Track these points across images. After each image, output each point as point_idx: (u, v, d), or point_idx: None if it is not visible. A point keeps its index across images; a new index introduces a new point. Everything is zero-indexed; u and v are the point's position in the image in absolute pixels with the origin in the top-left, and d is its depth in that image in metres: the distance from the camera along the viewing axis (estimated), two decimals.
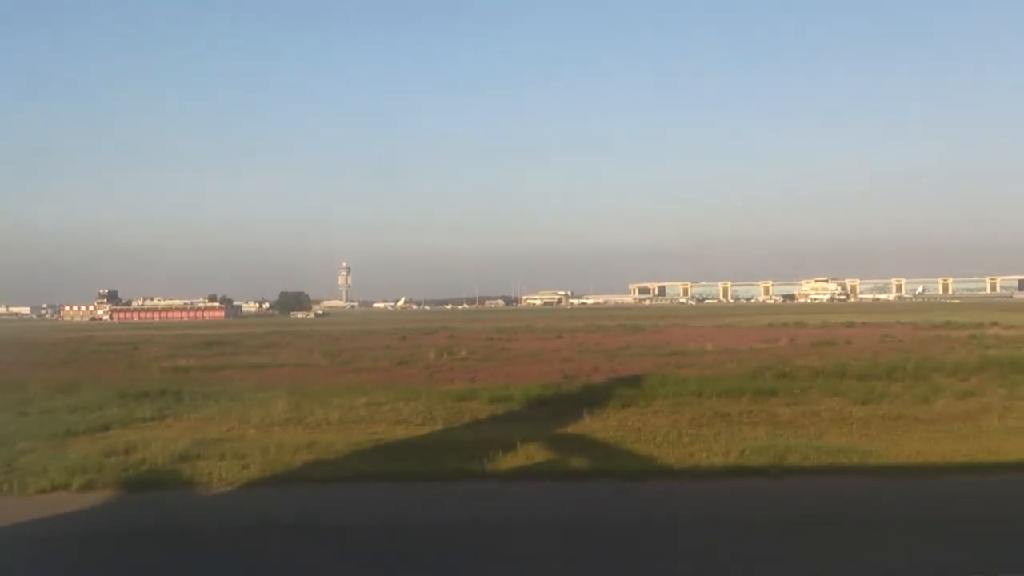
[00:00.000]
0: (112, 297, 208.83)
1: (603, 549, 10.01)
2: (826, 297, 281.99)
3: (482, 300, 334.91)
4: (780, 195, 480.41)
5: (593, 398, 23.54)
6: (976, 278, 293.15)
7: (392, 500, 12.95)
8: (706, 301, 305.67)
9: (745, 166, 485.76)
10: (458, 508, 12.40)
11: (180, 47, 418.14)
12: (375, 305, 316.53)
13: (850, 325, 67.07)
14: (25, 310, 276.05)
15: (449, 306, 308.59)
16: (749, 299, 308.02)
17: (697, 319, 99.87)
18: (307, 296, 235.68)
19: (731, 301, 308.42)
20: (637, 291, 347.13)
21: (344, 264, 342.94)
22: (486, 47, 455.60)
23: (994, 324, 61.53)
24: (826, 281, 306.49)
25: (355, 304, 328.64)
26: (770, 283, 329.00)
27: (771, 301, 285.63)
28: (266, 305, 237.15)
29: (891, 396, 23.85)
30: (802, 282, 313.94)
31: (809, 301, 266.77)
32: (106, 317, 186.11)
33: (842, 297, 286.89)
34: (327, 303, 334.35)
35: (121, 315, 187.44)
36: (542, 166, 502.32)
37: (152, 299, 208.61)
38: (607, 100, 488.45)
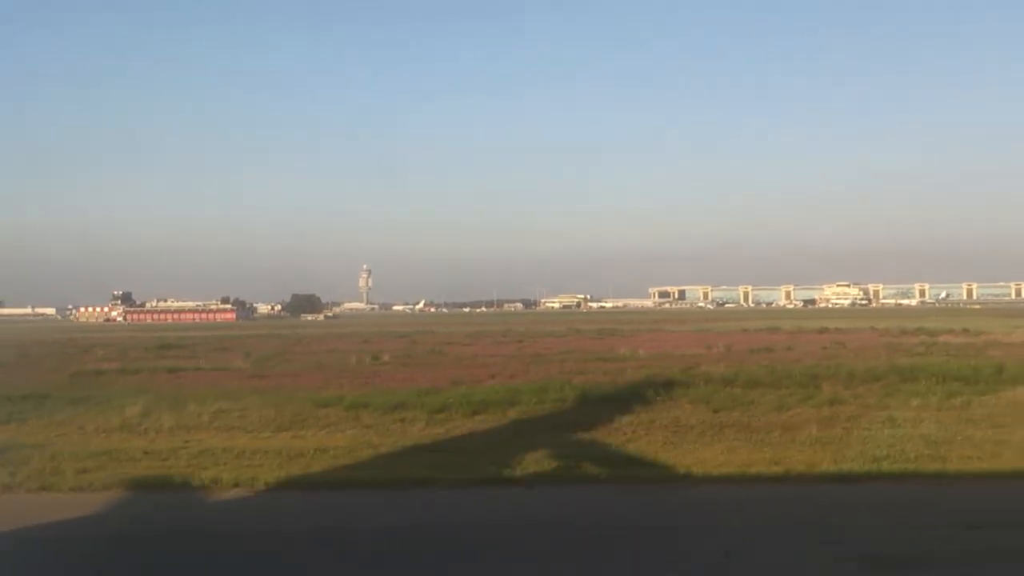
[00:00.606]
0: (126, 299, 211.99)
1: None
2: (847, 302, 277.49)
3: (500, 303, 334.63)
4: (804, 199, 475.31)
5: (447, 406, 23.38)
6: (1002, 283, 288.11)
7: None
8: (726, 305, 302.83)
9: (770, 169, 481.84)
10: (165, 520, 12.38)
11: (200, 48, 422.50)
12: (395, 308, 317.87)
13: (822, 331, 66.16)
14: (51, 311, 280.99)
15: (467, 309, 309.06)
16: (769, 304, 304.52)
17: (687, 323, 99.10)
18: (318, 298, 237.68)
19: (751, 305, 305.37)
20: (657, 295, 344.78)
21: (364, 266, 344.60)
22: (496, 47, 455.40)
23: (965, 331, 60.57)
24: (848, 286, 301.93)
25: (375, 306, 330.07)
26: (791, 287, 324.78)
27: (790, 306, 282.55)
28: (278, 307, 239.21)
29: (754, 404, 23.76)
30: (824, 287, 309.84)
31: (830, 306, 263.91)
32: (120, 318, 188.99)
33: (863, 302, 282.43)
34: (348, 305, 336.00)
35: (134, 316, 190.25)
36: (564, 169, 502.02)
37: (166, 301, 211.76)
38: (636, 103, 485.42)
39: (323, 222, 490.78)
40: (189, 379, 33.46)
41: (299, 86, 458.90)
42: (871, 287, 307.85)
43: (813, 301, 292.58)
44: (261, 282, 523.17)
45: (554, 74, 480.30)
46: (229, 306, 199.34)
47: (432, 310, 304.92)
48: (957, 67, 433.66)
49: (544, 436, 19.01)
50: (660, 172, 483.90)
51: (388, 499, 13.35)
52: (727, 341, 52.14)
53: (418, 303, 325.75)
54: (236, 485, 14.12)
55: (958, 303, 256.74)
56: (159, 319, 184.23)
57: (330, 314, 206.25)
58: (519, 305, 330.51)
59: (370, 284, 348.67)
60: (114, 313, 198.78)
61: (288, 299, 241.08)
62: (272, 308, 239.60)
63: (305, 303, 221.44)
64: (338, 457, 17.03)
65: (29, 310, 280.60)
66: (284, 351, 50.45)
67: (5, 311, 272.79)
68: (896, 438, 18.13)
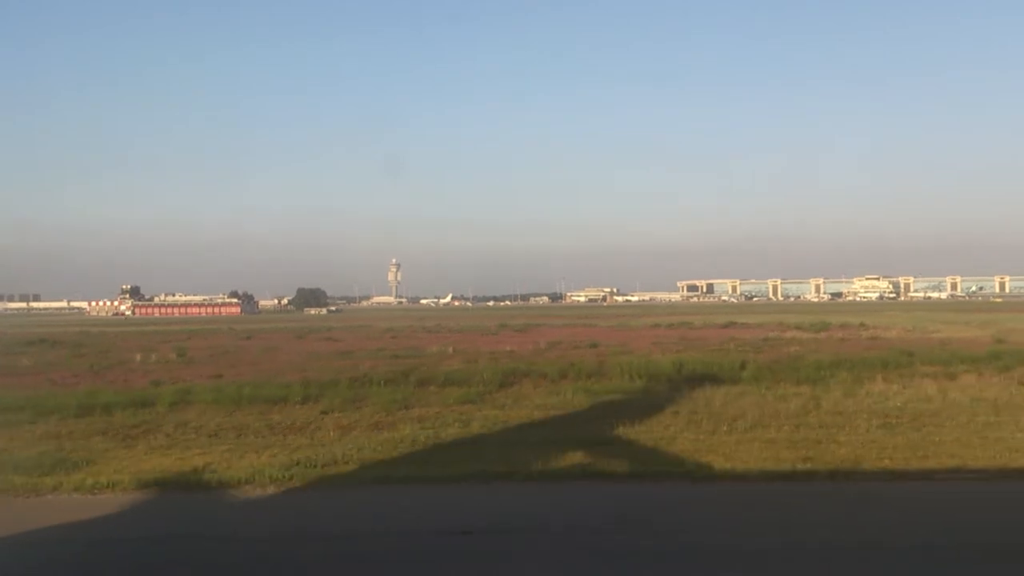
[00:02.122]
0: (135, 292, 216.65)
1: None
2: (875, 295, 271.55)
3: (526, 297, 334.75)
4: (836, 191, 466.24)
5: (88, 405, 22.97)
6: None
7: None
8: (754, 299, 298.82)
9: (804, 162, 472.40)
10: None
11: (211, 49, 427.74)
12: (422, 301, 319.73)
13: (728, 326, 64.45)
14: (85, 304, 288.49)
15: (491, 303, 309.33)
16: (797, 297, 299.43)
17: (648, 318, 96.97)
18: (324, 292, 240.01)
19: (780, 299, 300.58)
20: (685, 288, 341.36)
21: (394, 260, 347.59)
22: (533, 42, 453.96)
23: (862, 325, 58.55)
24: (877, 279, 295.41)
25: (403, 300, 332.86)
26: (821, 281, 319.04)
27: (815, 299, 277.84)
28: (285, 301, 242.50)
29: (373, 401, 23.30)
30: (855, 280, 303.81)
31: (858, 299, 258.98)
32: (128, 312, 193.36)
33: (892, 296, 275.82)
34: (376, 299, 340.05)
35: (143, 310, 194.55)
36: (597, 164, 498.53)
37: (174, 295, 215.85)
38: (659, 98, 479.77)
39: (357, 217, 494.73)
40: None
41: (331, 84, 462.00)
42: (902, 280, 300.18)
43: (840, 294, 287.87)
44: (294, 277, 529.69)
45: (585, 69, 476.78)
46: (234, 300, 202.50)
47: (457, 303, 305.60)
48: (990, 58, 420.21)
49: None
50: (693, 166, 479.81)
51: None
52: (585, 336, 51.20)
53: (445, 297, 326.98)
54: None
55: (988, 296, 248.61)
56: (166, 312, 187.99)
57: (333, 308, 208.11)
58: (545, 299, 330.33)
59: (399, 278, 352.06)
60: (123, 307, 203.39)
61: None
62: (279, 302, 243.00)
63: (310, 297, 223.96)
64: None
65: (64, 304, 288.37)
66: (140, 347, 50.10)
67: (41, 304, 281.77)
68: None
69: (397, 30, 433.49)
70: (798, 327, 59.03)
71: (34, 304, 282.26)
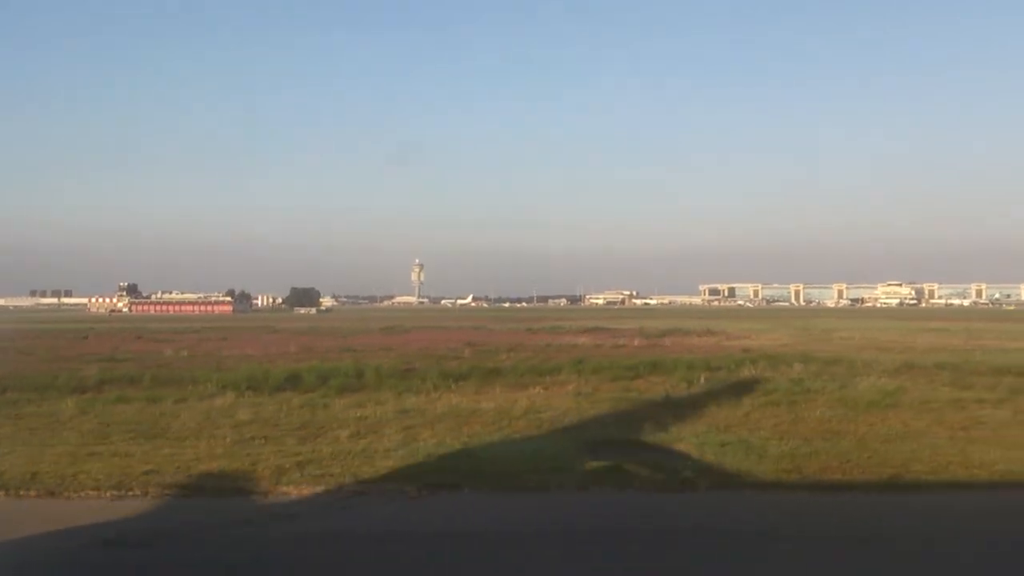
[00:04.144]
0: (132, 290, 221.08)
1: None
2: (895, 302, 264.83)
3: (544, 299, 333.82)
4: (863, 196, 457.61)
5: None
6: None
7: None
8: (775, 303, 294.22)
9: (829, 166, 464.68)
10: None
11: (214, 45, 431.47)
12: (443, 302, 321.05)
13: (592, 330, 62.97)
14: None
15: (507, 304, 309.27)
16: (818, 302, 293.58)
17: (571, 321, 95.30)
18: (317, 291, 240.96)
19: (802, 304, 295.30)
20: (707, 292, 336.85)
21: (417, 261, 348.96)
22: (556, 42, 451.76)
23: (707, 331, 56.59)
24: (899, 285, 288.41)
25: (424, 301, 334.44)
26: (844, 286, 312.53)
27: (834, 305, 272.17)
28: (279, 300, 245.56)
29: None
30: (877, 286, 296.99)
31: (878, 305, 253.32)
32: (125, 309, 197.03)
33: (913, 302, 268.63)
34: (400, 299, 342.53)
35: (139, 308, 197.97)
36: (623, 164, 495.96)
37: (170, 292, 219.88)
38: (679, 100, 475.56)
39: (383, 217, 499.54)
40: None
41: (349, 82, 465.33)
42: (926, 287, 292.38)
43: (860, 300, 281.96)
44: (319, 276, 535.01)
45: (602, 70, 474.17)
46: (227, 299, 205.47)
47: (475, 304, 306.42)
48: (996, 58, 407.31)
49: None
50: (721, 169, 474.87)
51: None
52: (432, 340, 50.87)
53: (466, 298, 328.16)
54: None
55: (1011, 303, 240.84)
56: (161, 310, 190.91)
57: (323, 308, 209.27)
58: (563, 301, 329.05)
59: (422, 278, 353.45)
60: (120, 304, 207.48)
61: (353, 292, 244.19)
62: (272, 300, 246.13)
63: (303, 296, 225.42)
64: None
65: (88, 300, 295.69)
66: None
67: (72, 300, 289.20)
68: None
69: (411, 26, 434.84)
70: (643, 334, 57.29)
71: (65, 300, 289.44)
